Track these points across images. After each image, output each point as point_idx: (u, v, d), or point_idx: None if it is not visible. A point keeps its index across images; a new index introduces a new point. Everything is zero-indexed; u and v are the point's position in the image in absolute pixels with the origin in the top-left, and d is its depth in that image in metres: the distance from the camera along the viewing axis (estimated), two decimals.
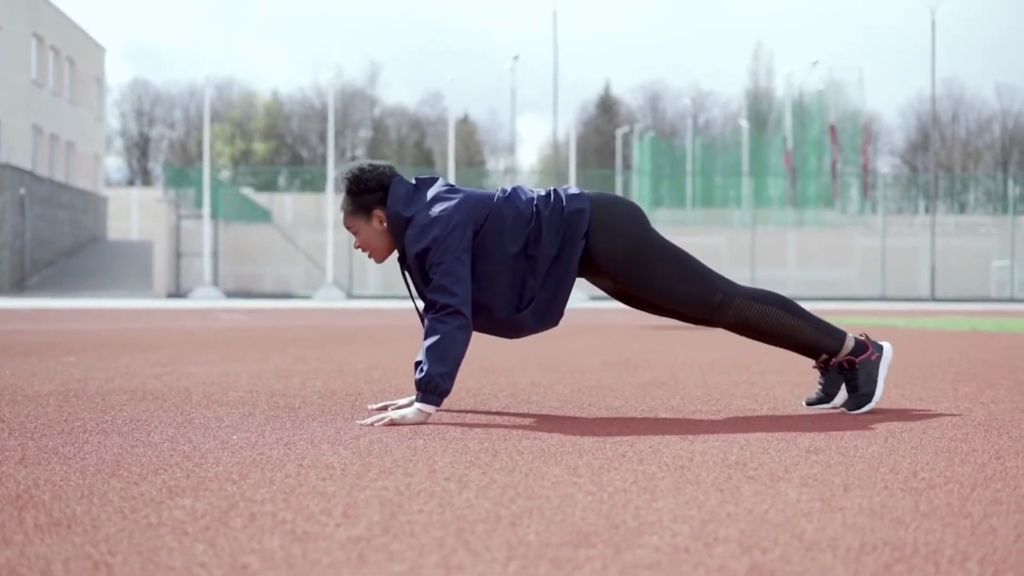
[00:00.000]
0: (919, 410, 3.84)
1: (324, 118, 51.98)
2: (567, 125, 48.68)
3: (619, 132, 48.58)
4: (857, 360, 3.76)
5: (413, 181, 3.66)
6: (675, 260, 3.67)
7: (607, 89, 70.04)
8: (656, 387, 4.69)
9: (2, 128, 34.83)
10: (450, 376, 3.40)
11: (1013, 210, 36.16)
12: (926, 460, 2.72)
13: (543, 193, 3.66)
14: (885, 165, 64.54)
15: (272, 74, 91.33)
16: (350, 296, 30.81)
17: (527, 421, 3.52)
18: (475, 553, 1.76)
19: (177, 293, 31.61)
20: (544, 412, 3.79)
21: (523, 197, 3.63)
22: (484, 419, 3.56)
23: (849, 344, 3.77)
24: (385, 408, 3.75)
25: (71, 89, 40.60)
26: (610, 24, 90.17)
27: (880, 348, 3.81)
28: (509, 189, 3.67)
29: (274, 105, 67.21)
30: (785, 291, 33.87)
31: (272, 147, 65.76)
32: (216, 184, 33.90)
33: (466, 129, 65.07)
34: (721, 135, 56.08)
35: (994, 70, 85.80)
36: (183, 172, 36.57)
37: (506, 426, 3.38)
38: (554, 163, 37.74)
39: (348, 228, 3.67)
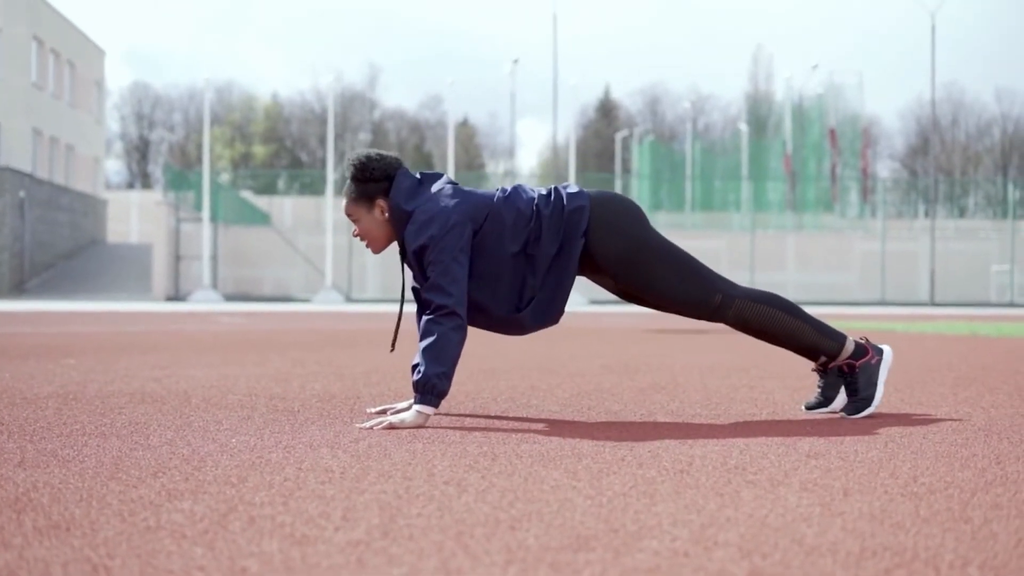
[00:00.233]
0: (919, 415, 3.84)
1: (324, 121, 52.01)
2: (567, 129, 48.74)
3: (619, 136, 48.60)
4: (857, 364, 3.75)
5: (418, 175, 3.66)
6: (675, 260, 3.67)
7: (607, 93, 70.11)
8: (655, 391, 4.69)
9: (2, 131, 34.84)
10: (447, 376, 3.40)
11: (1013, 214, 36.16)
12: (926, 465, 2.72)
13: (544, 192, 3.66)
14: (885, 169, 64.59)
15: (272, 77, 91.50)
16: (349, 299, 30.81)
17: (526, 425, 3.52)
18: (474, 557, 1.75)
19: (176, 296, 31.60)
20: (543, 416, 3.79)
21: (524, 196, 3.63)
22: (483, 423, 3.56)
23: (849, 347, 3.76)
24: (384, 412, 3.75)
25: (71, 92, 40.61)
26: (610, 28, 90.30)
27: (880, 352, 3.80)
28: (510, 188, 3.67)
29: (274, 108, 67.24)
30: (784, 295, 33.78)
31: (272, 150, 65.80)
32: (216, 187, 33.89)
33: (466, 132, 65.10)
34: (721, 139, 56.11)
35: (994, 74, 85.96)
36: (183, 175, 36.56)
37: (505, 430, 3.38)
38: (553, 167, 37.77)
39: (349, 215, 3.66)
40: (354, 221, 3.67)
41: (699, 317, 3.72)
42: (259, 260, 33.77)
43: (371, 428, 3.35)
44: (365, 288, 32.77)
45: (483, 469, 2.61)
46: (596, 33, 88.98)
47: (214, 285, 31.69)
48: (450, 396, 4.22)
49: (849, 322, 14.65)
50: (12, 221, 33.15)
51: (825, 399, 3.87)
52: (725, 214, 40.32)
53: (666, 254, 3.67)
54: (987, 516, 2.10)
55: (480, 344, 6.43)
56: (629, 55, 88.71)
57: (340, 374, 5.51)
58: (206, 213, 30.66)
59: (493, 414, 3.82)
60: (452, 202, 3.52)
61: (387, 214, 3.60)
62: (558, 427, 3.46)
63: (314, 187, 42.91)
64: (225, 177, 47.98)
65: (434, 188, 3.60)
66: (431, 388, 3.38)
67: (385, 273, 32.09)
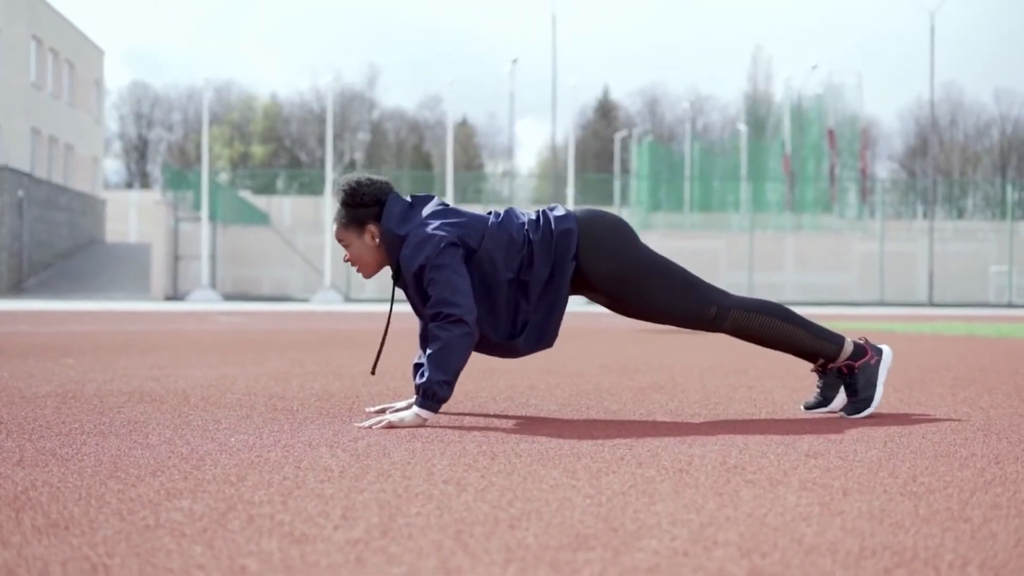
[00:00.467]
0: (918, 415, 3.84)
1: (323, 121, 52.01)
2: (566, 129, 48.76)
3: (618, 136, 48.57)
4: (856, 365, 3.75)
5: (409, 199, 3.66)
6: (667, 275, 3.68)
7: (606, 93, 70.12)
8: (655, 391, 4.69)
9: (1, 130, 34.82)
10: (449, 384, 3.41)
11: (1011, 215, 36.20)
12: (925, 464, 2.72)
13: (532, 217, 3.67)
14: (883, 170, 64.64)
15: (271, 77, 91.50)
16: (348, 299, 30.80)
17: (525, 424, 3.52)
18: (473, 556, 1.75)
19: (175, 296, 31.59)
20: (542, 415, 3.79)
21: (515, 222, 3.63)
22: (482, 422, 3.56)
23: (848, 349, 3.77)
24: (383, 411, 3.75)
25: (70, 91, 40.60)
26: (609, 28, 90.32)
27: (879, 351, 3.80)
28: (502, 213, 3.67)
29: (273, 108, 67.22)
30: (783, 295, 33.90)
31: (270, 150, 65.79)
32: (214, 187, 33.89)
33: (465, 133, 65.10)
34: (720, 139, 56.12)
35: (993, 75, 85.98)
36: (181, 175, 36.56)
37: (504, 429, 3.38)
38: (552, 167, 37.76)
39: (339, 240, 3.68)
40: (345, 246, 3.68)
41: (695, 328, 3.74)
42: (258, 260, 33.78)
43: (370, 427, 3.35)
44: (364, 288, 32.76)
45: (482, 468, 2.61)
46: (595, 33, 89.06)
47: (213, 285, 31.68)
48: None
49: (848, 323, 14.66)
50: (11, 220, 33.13)
51: (824, 399, 3.88)
52: (724, 214, 40.33)
53: (658, 269, 3.68)
54: (986, 516, 2.10)
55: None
56: (628, 55, 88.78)
57: (339, 373, 5.51)
58: (205, 213, 30.65)
59: (492, 413, 3.82)
60: (446, 223, 3.53)
61: (378, 239, 3.61)
62: (557, 426, 3.46)
63: (313, 187, 42.90)
64: (224, 177, 47.99)
65: (425, 211, 3.61)
66: (432, 394, 3.39)
67: (384, 274, 32.05)
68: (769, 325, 3.71)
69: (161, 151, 67.00)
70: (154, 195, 43.26)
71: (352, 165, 62.75)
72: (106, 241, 43.06)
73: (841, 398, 3.85)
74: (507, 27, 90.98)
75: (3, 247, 32.85)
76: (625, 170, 48.06)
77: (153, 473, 2.50)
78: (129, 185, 65.77)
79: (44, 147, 37.68)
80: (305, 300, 30.51)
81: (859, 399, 3.75)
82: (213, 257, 32.08)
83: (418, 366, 3.71)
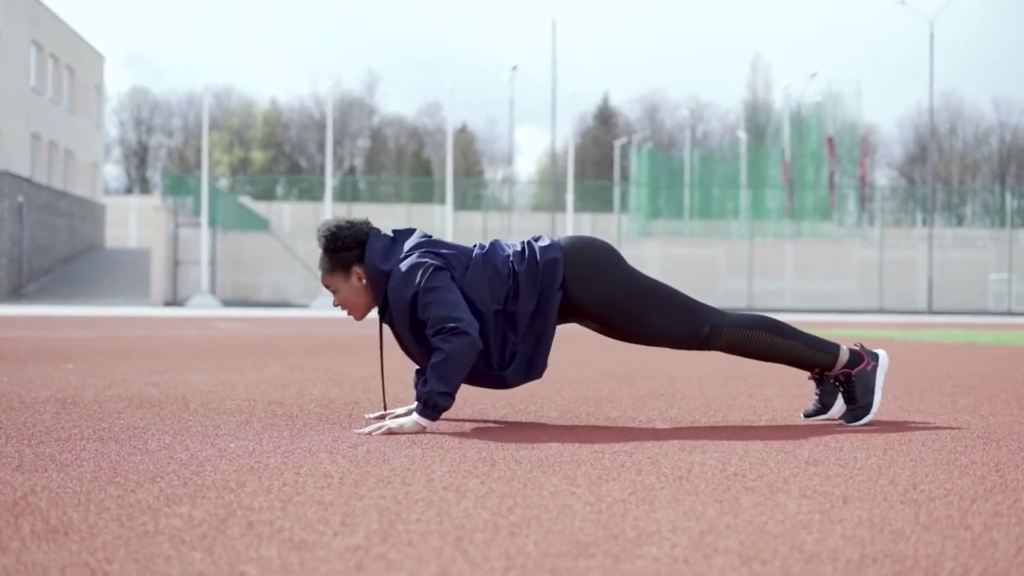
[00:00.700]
0: (918, 422, 3.84)
1: (322, 127, 52.03)
2: (565, 136, 48.80)
3: (617, 143, 48.63)
4: (853, 372, 3.75)
5: (391, 234, 3.66)
6: (657, 297, 3.68)
7: (605, 100, 70.17)
8: (654, 398, 4.69)
9: (1, 135, 34.84)
10: (450, 396, 3.41)
11: (1011, 223, 36.24)
12: (925, 472, 2.72)
13: (518, 248, 3.67)
14: (883, 177, 64.69)
15: (271, 83, 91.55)
16: None
17: (525, 431, 3.52)
18: (473, 563, 1.75)
19: (174, 301, 31.59)
20: (542, 422, 3.79)
21: (500, 254, 3.64)
22: (482, 429, 3.56)
23: (843, 357, 3.76)
24: (383, 417, 3.75)
25: (70, 97, 40.63)
26: (609, 35, 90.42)
27: (875, 357, 3.81)
28: (487, 245, 3.68)
29: (272, 114, 67.28)
30: (782, 303, 33.92)
31: (270, 156, 65.81)
32: (214, 192, 33.91)
33: (464, 139, 65.14)
34: (719, 147, 56.19)
35: (992, 83, 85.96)
36: (181, 180, 36.60)
37: (504, 436, 3.37)
38: (552, 174, 37.78)
39: (327, 286, 3.69)
40: (332, 292, 3.69)
41: (689, 348, 3.73)
42: (257, 265, 33.78)
43: (370, 433, 3.35)
44: None
45: (482, 475, 2.61)
46: (595, 40, 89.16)
47: (212, 290, 31.69)
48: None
49: (847, 330, 14.67)
50: (10, 226, 33.14)
51: (823, 406, 3.87)
52: (723, 222, 40.37)
53: (648, 292, 3.67)
54: (987, 523, 2.09)
55: None
56: (628, 63, 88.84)
57: (338, 379, 5.51)
58: (204, 218, 30.66)
59: (492, 420, 3.82)
60: (431, 251, 3.55)
61: (364, 279, 3.61)
62: (557, 433, 3.46)
63: (312, 193, 42.93)
64: (224, 182, 48.01)
65: (408, 244, 3.62)
66: (432, 404, 3.40)
67: None
68: (762, 340, 3.71)
69: (161, 156, 67.04)
70: (154, 200, 43.29)
71: (352, 171, 62.82)
72: (106, 246, 43.07)
73: (840, 405, 3.85)
74: (507, 34, 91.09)
75: (3, 252, 32.84)
76: (625, 177, 48.09)
77: (152, 479, 2.50)
78: (129, 190, 65.81)
79: (44, 152, 37.70)
80: (305, 306, 30.50)
81: (858, 406, 3.75)
82: (213, 263, 32.08)
83: (420, 372, 3.71)
